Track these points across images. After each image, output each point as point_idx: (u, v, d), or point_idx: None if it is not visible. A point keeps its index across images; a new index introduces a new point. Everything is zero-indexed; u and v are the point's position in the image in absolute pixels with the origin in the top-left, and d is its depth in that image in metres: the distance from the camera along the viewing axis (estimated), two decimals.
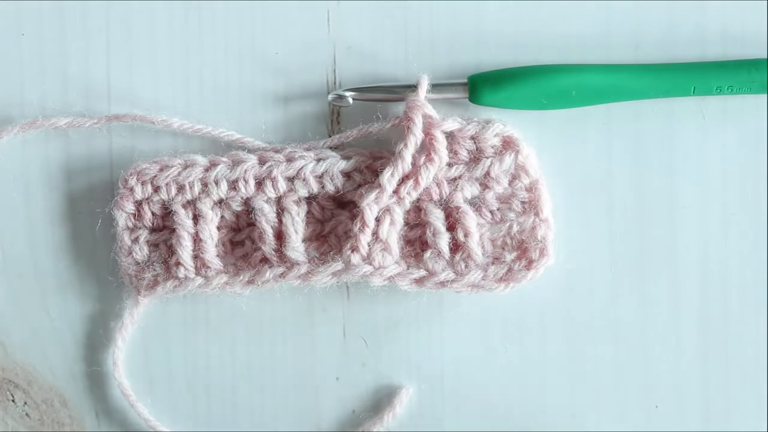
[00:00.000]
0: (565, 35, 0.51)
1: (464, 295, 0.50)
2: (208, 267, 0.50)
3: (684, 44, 0.50)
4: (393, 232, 0.49)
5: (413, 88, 0.49)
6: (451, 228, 0.49)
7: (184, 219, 0.50)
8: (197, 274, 0.50)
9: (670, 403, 0.51)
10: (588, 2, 0.50)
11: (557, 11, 0.51)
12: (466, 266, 0.48)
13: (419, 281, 0.49)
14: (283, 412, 0.52)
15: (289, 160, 0.49)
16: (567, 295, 0.51)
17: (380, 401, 0.52)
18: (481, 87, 0.48)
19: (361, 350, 0.52)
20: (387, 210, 0.49)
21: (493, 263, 0.49)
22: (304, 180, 0.49)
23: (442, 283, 0.49)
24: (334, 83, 0.52)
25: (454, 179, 0.49)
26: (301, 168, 0.49)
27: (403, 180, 0.48)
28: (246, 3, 0.51)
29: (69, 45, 0.52)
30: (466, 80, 0.49)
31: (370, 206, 0.48)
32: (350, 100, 0.50)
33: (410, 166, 0.48)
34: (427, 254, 0.49)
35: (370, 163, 0.49)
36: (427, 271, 0.49)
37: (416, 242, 0.50)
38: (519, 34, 0.51)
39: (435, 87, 0.49)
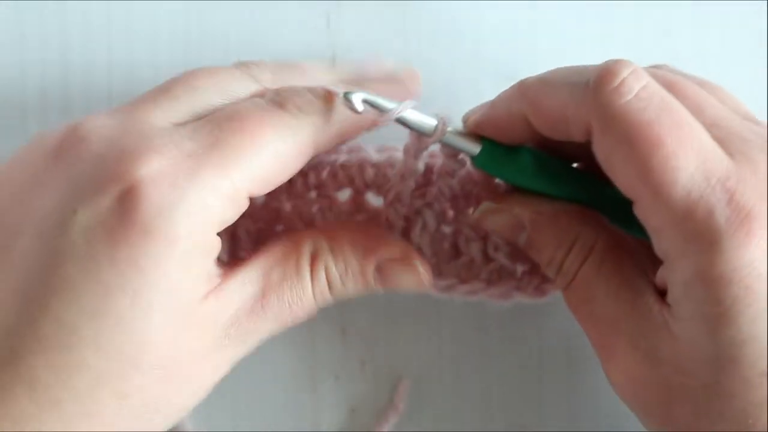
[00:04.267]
0: (564, 35, 0.51)
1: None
2: None
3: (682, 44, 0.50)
4: (425, 236, 0.47)
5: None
6: (485, 238, 0.47)
7: None
8: None
9: None
10: (589, 2, 0.51)
11: (557, 12, 0.51)
12: (498, 276, 0.47)
13: (450, 288, 0.47)
14: (282, 412, 0.52)
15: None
16: None
17: (380, 400, 0.52)
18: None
19: (361, 349, 0.52)
20: (419, 214, 0.47)
21: (523, 274, 0.48)
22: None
23: (474, 292, 0.47)
24: None
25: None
26: None
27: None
28: (246, 3, 0.52)
29: (70, 45, 0.52)
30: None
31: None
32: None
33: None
34: (460, 262, 0.47)
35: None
36: (457, 278, 0.47)
37: (449, 248, 0.48)
38: (519, 34, 0.51)
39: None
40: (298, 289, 0.42)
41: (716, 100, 0.41)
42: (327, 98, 0.42)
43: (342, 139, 0.44)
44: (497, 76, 0.52)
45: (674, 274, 0.38)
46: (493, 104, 0.43)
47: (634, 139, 0.36)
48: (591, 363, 0.51)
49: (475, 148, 0.43)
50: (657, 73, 0.41)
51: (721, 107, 0.40)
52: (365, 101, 0.40)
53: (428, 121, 0.42)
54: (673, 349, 0.38)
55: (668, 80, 0.40)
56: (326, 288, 0.43)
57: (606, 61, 0.38)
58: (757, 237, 0.36)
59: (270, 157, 0.40)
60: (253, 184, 0.40)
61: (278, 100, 0.41)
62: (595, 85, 0.38)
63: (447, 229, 0.47)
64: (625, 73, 0.38)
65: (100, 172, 0.38)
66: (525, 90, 0.41)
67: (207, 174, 0.38)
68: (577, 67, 0.40)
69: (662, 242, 0.38)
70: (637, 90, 0.37)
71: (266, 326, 0.42)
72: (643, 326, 0.39)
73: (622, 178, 0.38)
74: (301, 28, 0.52)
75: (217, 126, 0.39)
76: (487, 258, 0.47)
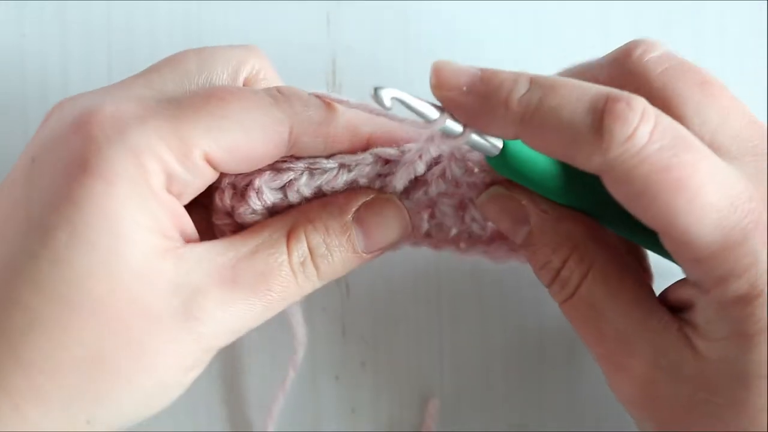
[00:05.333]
0: (564, 35, 0.51)
1: (464, 294, 0.50)
2: None
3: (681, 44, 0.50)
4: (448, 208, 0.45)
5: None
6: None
7: None
8: None
9: None
10: (588, 2, 0.51)
11: (557, 11, 0.51)
12: (499, 235, 0.46)
13: (466, 245, 0.46)
14: (282, 412, 0.52)
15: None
16: None
17: (380, 401, 0.52)
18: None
19: (361, 349, 0.52)
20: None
21: None
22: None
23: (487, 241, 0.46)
24: (334, 84, 0.52)
25: None
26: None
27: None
28: (246, 3, 0.52)
29: (70, 45, 0.52)
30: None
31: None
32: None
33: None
34: (469, 215, 0.45)
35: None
36: (467, 233, 0.46)
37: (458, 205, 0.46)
38: (519, 34, 0.51)
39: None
40: (272, 259, 0.40)
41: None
42: (323, 101, 0.41)
43: (330, 142, 0.42)
44: None
45: (708, 298, 0.37)
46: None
47: (654, 188, 0.35)
48: (592, 363, 0.51)
49: (495, 150, 0.40)
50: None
51: (745, 112, 0.40)
52: (396, 99, 0.37)
53: (456, 126, 0.39)
54: (698, 367, 0.38)
55: (699, 81, 0.40)
56: (309, 259, 0.41)
57: (611, 99, 0.35)
58: None
59: (233, 124, 0.39)
60: (210, 147, 0.38)
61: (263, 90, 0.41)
62: (605, 137, 0.35)
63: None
64: (634, 120, 0.35)
65: (61, 125, 0.39)
66: (524, 118, 0.37)
67: (156, 121, 0.38)
68: (580, 91, 0.36)
69: (695, 271, 0.37)
70: (648, 134, 0.35)
71: (241, 297, 0.39)
72: (661, 345, 0.38)
73: (646, 220, 0.36)
74: (301, 28, 0.52)
75: (186, 93, 0.40)
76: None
